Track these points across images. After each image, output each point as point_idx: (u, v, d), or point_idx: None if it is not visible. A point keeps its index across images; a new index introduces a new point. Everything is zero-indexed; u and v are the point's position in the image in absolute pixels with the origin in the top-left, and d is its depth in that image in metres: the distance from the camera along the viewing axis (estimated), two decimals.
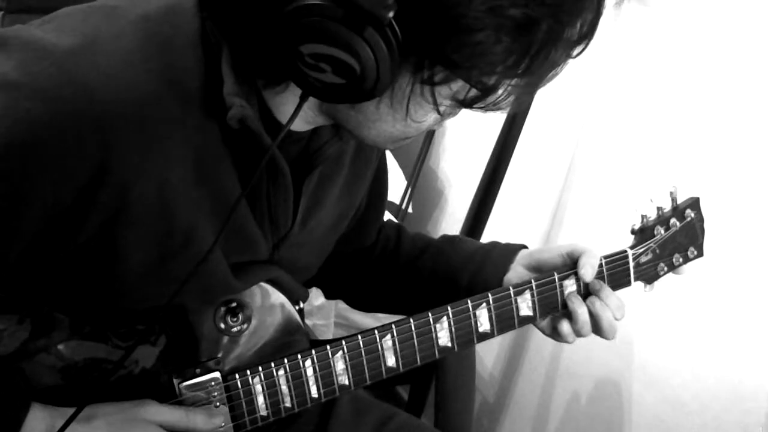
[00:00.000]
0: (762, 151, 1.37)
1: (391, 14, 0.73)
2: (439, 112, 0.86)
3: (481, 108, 0.85)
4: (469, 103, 0.84)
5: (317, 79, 0.79)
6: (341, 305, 2.10)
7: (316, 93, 0.82)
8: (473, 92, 0.83)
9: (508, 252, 1.22)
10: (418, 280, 1.24)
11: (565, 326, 1.14)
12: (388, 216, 1.37)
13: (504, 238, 1.99)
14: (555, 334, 1.16)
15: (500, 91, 0.83)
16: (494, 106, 0.85)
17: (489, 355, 2.07)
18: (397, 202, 2.26)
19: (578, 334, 1.14)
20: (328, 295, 1.39)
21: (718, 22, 1.45)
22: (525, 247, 1.23)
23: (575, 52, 0.82)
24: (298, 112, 0.85)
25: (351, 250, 1.27)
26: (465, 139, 2.25)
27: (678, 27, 1.53)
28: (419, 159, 2.31)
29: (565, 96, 1.81)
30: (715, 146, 1.45)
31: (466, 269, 1.21)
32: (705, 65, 1.47)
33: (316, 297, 1.91)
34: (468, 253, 1.24)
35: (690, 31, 1.50)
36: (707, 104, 1.47)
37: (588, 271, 1.12)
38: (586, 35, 0.81)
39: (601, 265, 1.14)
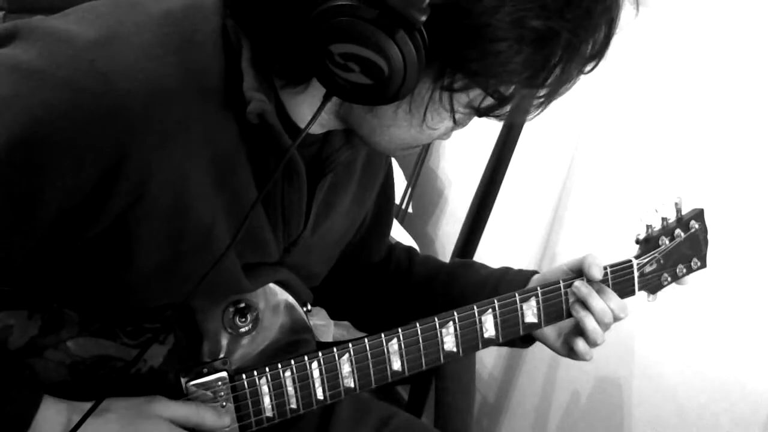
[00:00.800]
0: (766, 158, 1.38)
1: (423, 18, 0.75)
2: (454, 119, 0.87)
3: (495, 117, 0.86)
4: (484, 112, 0.86)
5: (344, 79, 0.80)
6: None
7: (341, 93, 0.83)
8: (489, 101, 0.85)
9: (521, 278, 1.22)
10: (430, 304, 1.23)
11: (580, 345, 1.14)
12: (401, 232, 1.37)
13: (504, 239, 2.00)
14: (572, 353, 1.17)
15: (515, 101, 0.84)
16: (508, 116, 0.87)
17: (489, 355, 2.07)
18: (397, 202, 2.26)
19: (593, 344, 1.14)
20: (334, 316, 1.39)
21: (719, 23, 1.45)
22: (536, 272, 1.23)
23: (587, 68, 0.84)
24: (321, 111, 0.86)
25: (358, 265, 1.27)
26: (465, 139, 2.24)
27: (678, 27, 1.53)
28: (419, 159, 2.31)
29: (564, 97, 1.81)
30: (720, 154, 1.45)
31: (479, 294, 1.20)
32: (708, 68, 1.47)
33: None
34: (481, 277, 1.24)
35: (690, 32, 1.50)
36: (711, 110, 1.47)
37: (595, 270, 1.13)
38: (599, 53, 0.83)
39: (606, 274, 1.15)
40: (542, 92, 0.84)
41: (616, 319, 1.15)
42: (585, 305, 1.14)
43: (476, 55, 0.78)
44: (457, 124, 0.90)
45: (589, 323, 1.13)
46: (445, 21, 0.77)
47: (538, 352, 1.90)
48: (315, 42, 0.79)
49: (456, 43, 0.78)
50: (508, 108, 0.86)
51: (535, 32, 0.78)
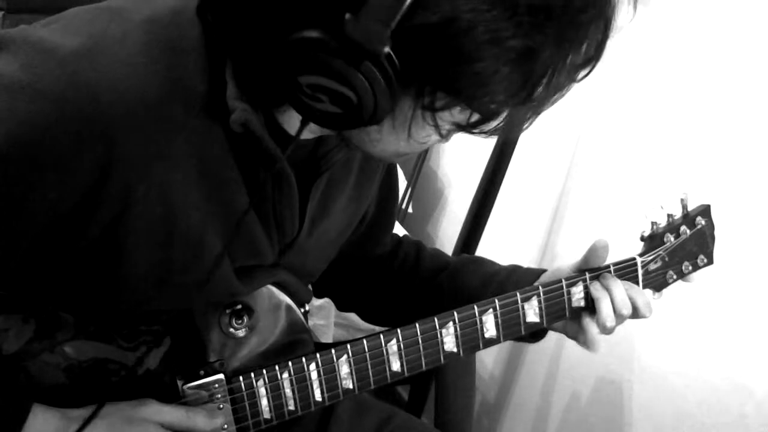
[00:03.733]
0: None
1: (386, 49, 0.73)
2: (440, 134, 0.85)
3: (483, 133, 0.85)
4: (470, 128, 0.84)
5: (316, 108, 0.80)
6: None
7: (316, 120, 0.82)
8: (475, 117, 0.83)
9: (529, 275, 1.21)
10: (437, 298, 1.24)
11: (593, 328, 1.13)
12: (401, 233, 1.36)
13: (504, 239, 2.00)
14: (579, 332, 1.16)
15: (502, 117, 0.83)
16: (495, 131, 0.85)
17: (489, 355, 2.07)
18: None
19: (602, 326, 1.13)
20: (341, 307, 1.38)
21: (721, 18, 1.44)
22: (545, 270, 1.22)
23: (580, 76, 0.82)
24: (300, 135, 0.85)
25: (363, 257, 1.27)
26: (465, 139, 2.24)
27: (678, 26, 1.52)
28: (419, 159, 2.31)
29: (565, 96, 1.80)
30: (723, 151, 1.45)
31: (486, 291, 1.20)
32: (711, 62, 1.47)
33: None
34: (489, 274, 1.24)
35: (691, 31, 1.50)
36: (714, 107, 1.47)
37: (601, 242, 1.13)
38: (591, 59, 0.80)
39: (609, 272, 1.14)
40: (531, 106, 0.82)
41: (640, 315, 1.14)
42: (607, 290, 1.13)
43: (454, 76, 0.76)
44: (444, 137, 0.88)
45: (605, 306, 1.12)
46: (418, 43, 0.75)
47: (538, 352, 1.91)
48: (284, 73, 0.78)
49: (432, 64, 0.76)
50: (494, 124, 0.83)
51: (514, 51, 0.75)
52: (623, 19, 0.81)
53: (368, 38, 0.73)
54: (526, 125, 0.86)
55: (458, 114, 0.83)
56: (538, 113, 0.84)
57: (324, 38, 0.74)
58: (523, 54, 0.75)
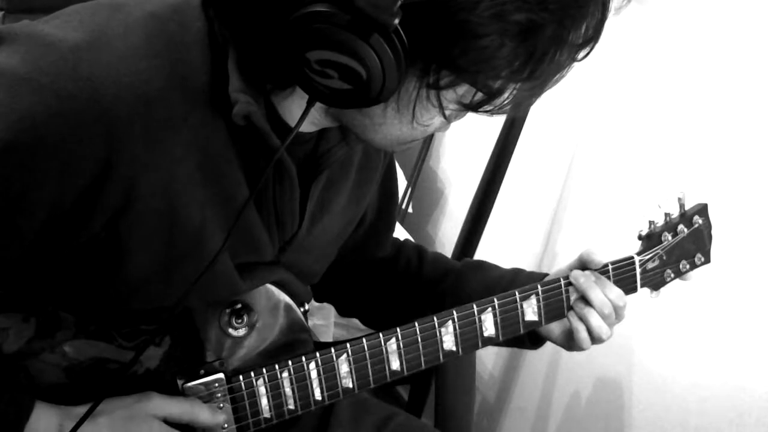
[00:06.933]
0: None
1: (396, 21, 0.74)
2: (444, 115, 0.86)
3: (486, 111, 0.85)
4: (474, 107, 0.85)
5: (324, 85, 0.80)
6: None
7: (323, 98, 0.82)
8: (479, 96, 0.84)
9: (531, 280, 1.20)
10: (438, 305, 1.22)
11: (582, 333, 1.13)
12: (401, 233, 1.36)
13: (504, 239, 2.00)
14: (571, 342, 1.16)
15: (506, 95, 0.83)
16: (500, 110, 0.85)
17: (489, 355, 2.07)
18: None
19: (598, 340, 1.13)
20: (343, 313, 1.38)
21: (719, 18, 1.44)
22: (547, 275, 1.22)
23: (580, 55, 0.83)
24: (305, 117, 0.85)
25: (364, 261, 1.27)
26: (465, 139, 2.25)
27: (675, 26, 1.52)
28: (419, 159, 2.31)
29: (564, 96, 1.81)
30: (720, 150, 1.45)
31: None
32: (706, 65, 1.47)
33: None
34: (491, 279, 1.24)
35: (689, 30, 1.50)
36: (711, 106, 1.47)
37: (596, 257, 1.13)
38: (591, 39, 0.81)
39: (607, 271, 1.14)
40: (534, 83, 0.83)
41: (616, 308, 1.14)
42: (585, 300, 1.13)
43: (459, 51, 0.77)
44: (448, 119, 0.89)
45: (594, 320, 1.12)
46: (424, 19, 0.75)
47: (538, 352, 1.90)
48: (292, 50, 0.78)
49: (437, 40, 0.77)
50: (498, 102, 0.84)
51: (518, 25, 0.76)
52: (618, 2, 0.82)
53: (378, 10, 0.73)
54: (529, 104, 0.87)
55: (462, 92, 0.84)
56: (541, 92, 0.85)
57: (333, 11, 0.74)
58: (526, 29, 0.76)
